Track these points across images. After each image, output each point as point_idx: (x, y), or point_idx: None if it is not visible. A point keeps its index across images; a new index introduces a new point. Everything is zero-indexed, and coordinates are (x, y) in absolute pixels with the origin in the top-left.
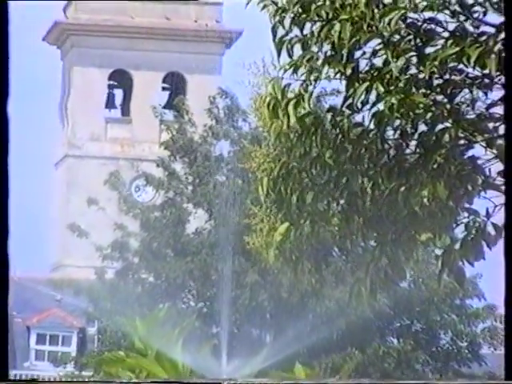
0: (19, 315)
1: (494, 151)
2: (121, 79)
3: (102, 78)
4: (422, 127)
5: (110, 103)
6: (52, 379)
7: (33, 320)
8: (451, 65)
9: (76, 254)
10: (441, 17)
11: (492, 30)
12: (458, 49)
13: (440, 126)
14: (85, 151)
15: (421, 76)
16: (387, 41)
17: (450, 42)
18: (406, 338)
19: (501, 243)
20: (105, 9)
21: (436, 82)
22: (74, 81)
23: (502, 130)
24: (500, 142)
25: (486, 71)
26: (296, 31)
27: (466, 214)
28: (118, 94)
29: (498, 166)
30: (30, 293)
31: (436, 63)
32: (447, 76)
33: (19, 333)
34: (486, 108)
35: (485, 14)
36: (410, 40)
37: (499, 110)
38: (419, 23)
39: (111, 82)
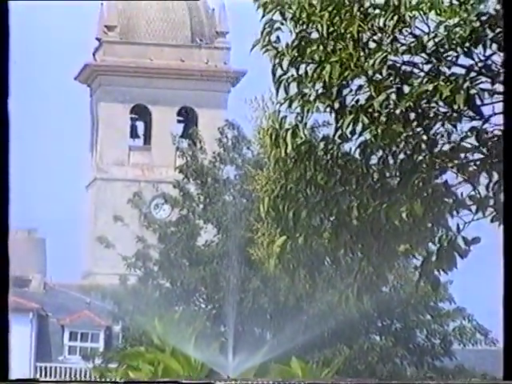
0: (54, 316)
1: (465, 176)
2: (141, 113)
3: (125, 112)
4: (402, 155)
5: (133, 133)
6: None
7: (66, 320)
8: (426, 101)
9: (103, 263)
10: (417, 59)
11: (462, 71)
12: (431, 86)
13: (417, 154)
14: (111, 175)
15: (399, 110)
16: (371, 79)
17: (424, 80)
18: (387, 335)
19: (471, 255)
20: (128, 52)
21: (412, 115)
22: (101, 114)
23: (471, 157)
24: (470, 168)
25: (456, 106)
26: (292, 71)
27: (439, 230)
28: (140, 125)
29: (468, 188)
30: (63, 297)
31: (412, 99)
32: (423, 110)
33: (54, 331)
34: (460, 139)
35: (457, 58)
36: (390, 79)
37: (470, 140)
38: (398, 64)
39: (133, 116)
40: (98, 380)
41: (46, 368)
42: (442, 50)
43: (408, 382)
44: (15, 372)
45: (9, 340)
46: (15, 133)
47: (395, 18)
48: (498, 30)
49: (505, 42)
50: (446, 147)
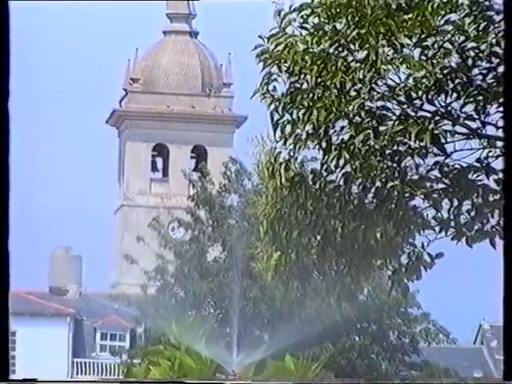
0: (88, 319)
1: (430, 202)
2: (161, 150)
3: (147, 150)
4: (377, 183)
5: (154, 167)
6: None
7: (98, 323)
8: (398, 139)
9: (129, 275)
10: (390, 105)
11: (428, 114)
12: (402, 127)
13: (390, 183)
14: (135, 202)
15: (376, 147)
16: (351, 121)
17: (396, 122)
18: (364, 335)
19: (435, 268)
20: (149, 100)
21: (387, 151)
22: (128, 152)
23: (435, 186)
24: (434, 195)
25: (423, 144)
26: (286, 115)
27: (408, 247)
28: (160, 161)
29: (432, 212)
30: (95, 304)
31: (387, 138)
32: (395, 147)
33: (88, 332)
34: (426, 172)
35: (422, 104)
36: (368, 121)
37: (434, 173)
38: (374, 109)
39: (154, 153)
40: (123, 373)
41: (81, 363)
42: (410, 98)
43: (409, 381)
44: (56, 365)
45: (9, 340)
46: (62, 171)
47: (372, 70)
48: (458, 80)
49: (505, 45)
50: (415, 177)
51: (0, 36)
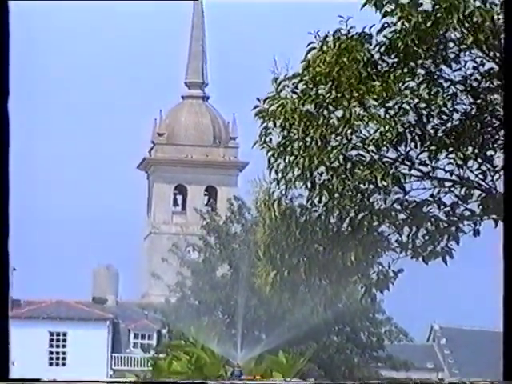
0: (123, 323)
1: (393, 229)
2: (180, 190)
3: (170, 190)
4: (351, 215)
5: (175, 203)
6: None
7: (131, 325)
8: (367, 179)
9: (155, 288)
10: (361, 152)
11: (390, 160)
12: (370, 171)
13: (361, 214)
14: (160, 230)
15: (350, 186)
16: (330, 167)
17: (366, 167)
18: (341, 335)
19: (398, 281)
20: (172, 150)
21: (359, 189)
22: (154, 191)
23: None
24: (396, 223)
25: (386, 183)
26: (280, 161)
27: (377, 265)
28: (180, 197)
29: (395, 237)
30: (129, 310)
31: (358, 178)
32: (365, 186)
33: (123, 333)
34: (390, 205)
35: (387, 151)
36: (344, 165)
37: (397, 206)
38: (350, 156)
39: (175, 191)
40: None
41: (117, 357)
42: (377, 147)
43: (409, 381)
44: (98, 359)
45: (9, 341)
46: (104, 208)
47: (347, 126)
48: (414, 134)
49: (505, 50)
50: (381, 210)
51: (0, 36)
